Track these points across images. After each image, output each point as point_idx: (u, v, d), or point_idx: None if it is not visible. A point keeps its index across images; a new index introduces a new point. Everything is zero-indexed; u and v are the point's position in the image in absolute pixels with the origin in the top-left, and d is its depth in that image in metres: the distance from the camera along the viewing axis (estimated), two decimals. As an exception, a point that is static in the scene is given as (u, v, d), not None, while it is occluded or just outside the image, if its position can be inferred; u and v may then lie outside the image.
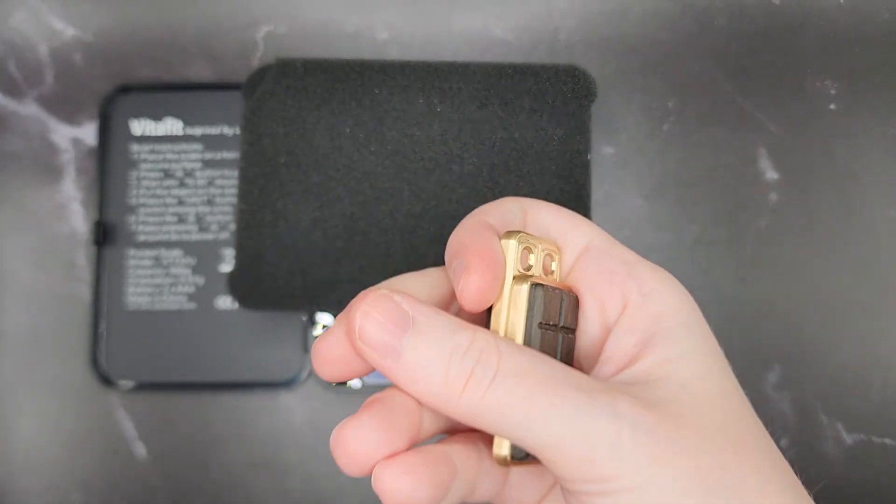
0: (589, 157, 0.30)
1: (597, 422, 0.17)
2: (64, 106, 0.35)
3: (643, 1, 0.36)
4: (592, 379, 0.18)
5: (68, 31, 0.36)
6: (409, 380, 0.18)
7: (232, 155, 0.34)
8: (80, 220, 0.35)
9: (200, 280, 0.34)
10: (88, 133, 0.35)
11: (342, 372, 0.20)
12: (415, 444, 0.19)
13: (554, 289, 0.20)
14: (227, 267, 0.34)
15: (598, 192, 0.35)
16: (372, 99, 0.29)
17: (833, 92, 0.36)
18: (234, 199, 0.34)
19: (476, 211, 0.22)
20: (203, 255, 0.34)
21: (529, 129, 0.29)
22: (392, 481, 0.18)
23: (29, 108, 0.35)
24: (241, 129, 0.30)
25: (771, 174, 0.35)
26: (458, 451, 0.20)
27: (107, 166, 0.34)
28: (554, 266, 0.21)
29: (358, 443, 0.18)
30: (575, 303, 0.21)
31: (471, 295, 0.19)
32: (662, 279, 0.20)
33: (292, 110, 0.29)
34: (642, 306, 0.20)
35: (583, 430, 0.17)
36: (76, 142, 0.35)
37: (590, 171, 0.29)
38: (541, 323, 0.20)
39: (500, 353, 0.18)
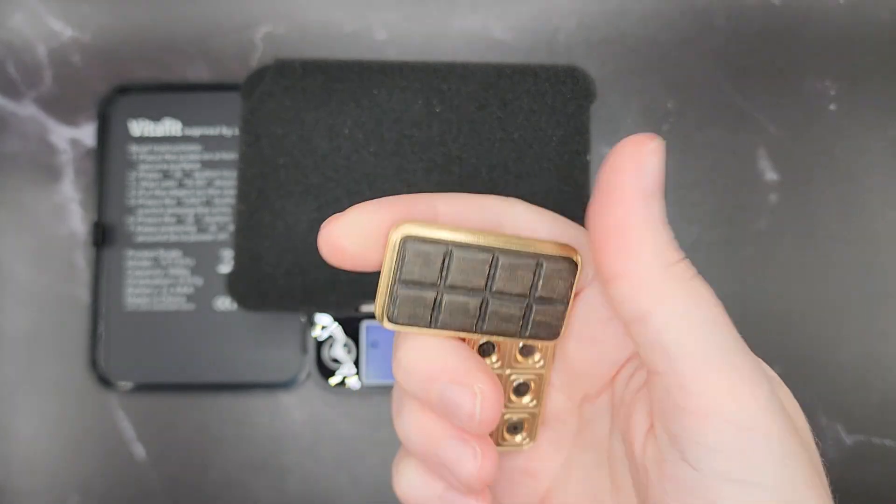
0: (588, 158, 0.30)
1: (757, 363, 0.17)
2: (62, 107, 0.35)
3: (643, 2, 0.36)
4: None
5: (67, 32, 0.36)
6: (648, 226, 0.17)
7: (231, 156, 0.34)
8: (78, 221, 0.35)
9: (199, 281, 0.34)
10: (87, 134, 0.35)
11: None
12: None
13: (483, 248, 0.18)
14: (225, 268, 0.34)
15: (598, 192, 0.35)
16: (371, 100, 0.29)
17: (833, 93, 0.36)
18: (232, 200, 0.34)
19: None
20: (202, 255, 0.34)
21: (528, 130, 0.29)
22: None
23: (27, 109, 0.35)
24: (240, 130, 0.30)
25: (770, 175, 0.35)
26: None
27: (105, 167, 0.34)
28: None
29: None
30: (551, 271, 0.18)
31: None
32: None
33: (291, 111, 0.29)
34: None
35: (752, 371, 0.16)
36: (75, 143, 0.35)
37: (589, 172, 0.29)
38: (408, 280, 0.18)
39: None
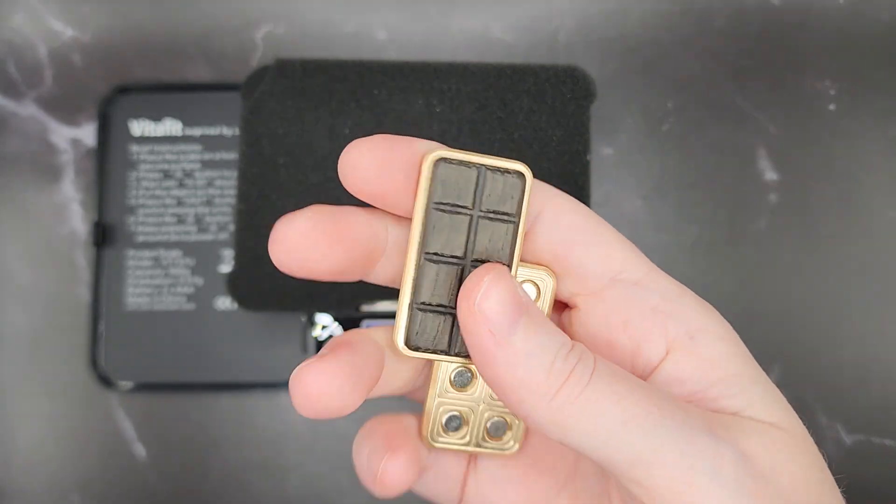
0: (588, 158, 0.30)
1: (696, 441, 0.16)
2: (63, 107, 0.35)
3: (643, 1, 0.36)
4: (686, 403, 0.17)
5: (67, 32, 0.36)
6: (507, 364, 0.16)
7: (231, 156, 0.34)
8: (79, 221, 0.35)
9: (200, 280, 0.34)
10: (87, 134, 0.35)
11: (301, 265, 0.17)
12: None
13: (472, 165, 0.17)
14: (226, 267, 0.34)
15: (598, 192, 0.35)
16: (371, 99, 0.29)
17: (832, 93, 0.36)
18: (233, 200, 0.34)
19: None
20: (202, 255, 0.34)
21: (528, 130, 0.29)
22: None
23: (28, 109, 0.35)
24: (240, 130, 0.30)
25: (770, 175, 0.35)
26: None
27: (106, 167, 0.34)
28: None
29: (317, 387, 0.17)
30: (516, 186, 0.17)
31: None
32: (710, 316, 0.18)
33: (291, 111, 0.29)
34: (691, 351, 0.18)
35: (684, 447, 0.16)
36: (75, 142, 0.35)
37: (589, 172, 0.29)
38: (443, 204, 0.17)
39: (595, 359, 0.17)
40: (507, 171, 0.17)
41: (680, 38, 0.36)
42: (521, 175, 0.17)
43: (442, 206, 0.17)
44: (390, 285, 0.19)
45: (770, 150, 0.35)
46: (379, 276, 0.18)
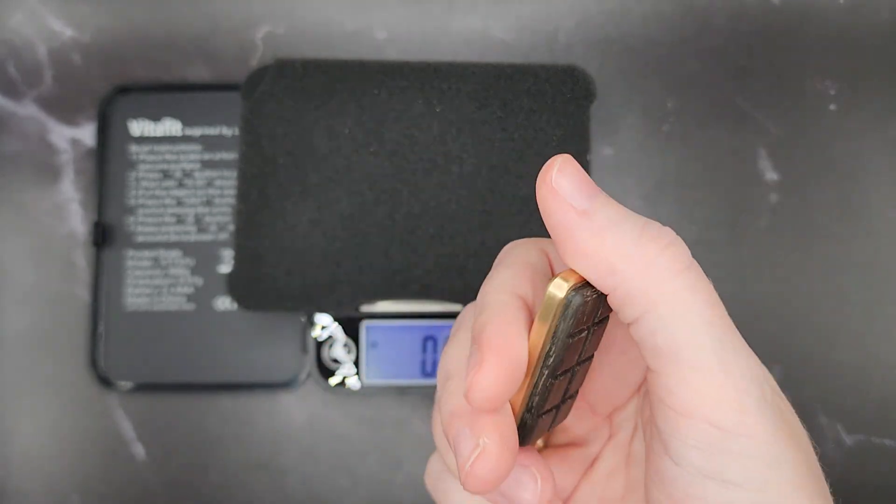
0: (588, 158, 0.30)
1: (755, 370, 0.16)
2: (62, 107, 0.35)
3: (643, 2, 0.36)
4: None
5: (67, 32, 0.36)
6: (597, 236, 0.16)
7: (231, 155, 0.34)
8: (78, 221, 0.35)
9: (199, 281, 0.34)
10: (87, 134, 0.35)
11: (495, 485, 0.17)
12: None
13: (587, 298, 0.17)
14: (225, 268, 0.34)
15: (598, 192, 0.35)
16: (371, 99, 0.29)
17: (833, 93, 0.36)
18: (232, 200, 0.34)
19: (519, 254, 0.19)
20: (202, 255, 0.34)
21: (529, 130, 0.29)
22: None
23: (28, 109, 0.35)
24: (240, 130, 0.30)
25: (770, 175, 0.35)
26: None
27: (105, 167, 0.34)
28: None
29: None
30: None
31: (478, 394, 0.16)
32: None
33: (291, 111, 0.29)
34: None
35: (744, 372, 0.16)
36: (75, 142, 0.35)
37: (589, 172, 0.29)
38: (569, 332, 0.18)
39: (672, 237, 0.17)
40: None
41: (680, 38, 0.36)
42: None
43: (571, 335, 0.17)
44: None
45: (770, 150, 0.35)
46: None
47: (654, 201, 0.35)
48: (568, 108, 0.30)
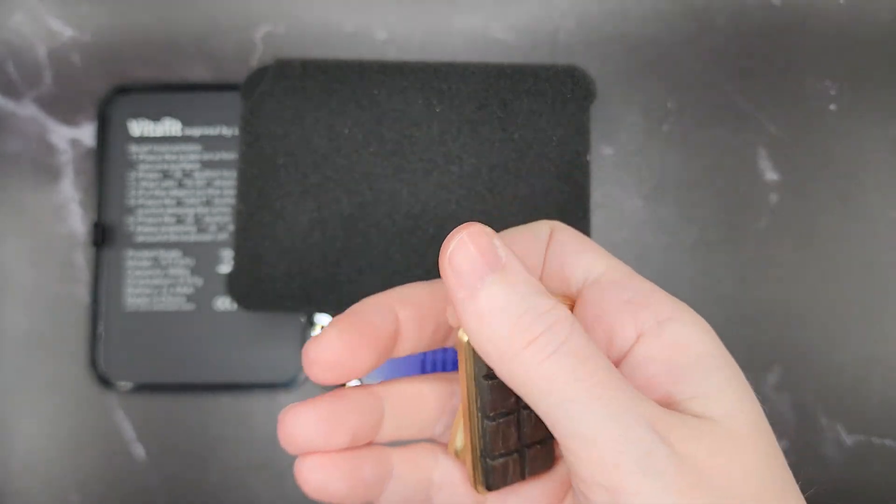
0: (588, 158, 0.30)
1: (635, 430, 0.17)
2: (62, 107, 0.35)
3: (643, 1, 0.36)
4: (641, 393, 0.18)
5: (66, 32, 0.36)
6: (476, 319, 0.17)
7: (230, 156, 0.34)
8: (78, 221, 0.35)
9: (199, 281, 0.34)
10: (87, 134, 0.35)
11: (334, 375, 0.20)
12: (364, 441, 0.20)
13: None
14: (225, 268, 0.34)
15: (598, 192, 0.35)
16: (371, 99, 0.29)
17: (833, 93, 0.36)
18: (232, 200, 0.34)
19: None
20: (201, 255, 0.34)
21: (528, 130, 0.29)
22: (308, 473, 0.19)
23: (27, 109, 0.35)
24: (240, 130, 0.30)
25: (771, 175, 0.35)
26: (405, 456, 0.21)
27: (105, 167, 0.34)
28: None
29: (298, 430, 0.19)
30: None
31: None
32: (681, 309, 0.19)
33: (291, 111, 0.29)
34: (659, 335, 0.19)
35: (620, 433, 0.17)
36: (74, 143, 0.35)
37: (589, 172, 0.29)
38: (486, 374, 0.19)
39: (571, 330, 0.17)
40: None
41: (680, 37, 0.36)
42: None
43: (487, 376, 0.19)
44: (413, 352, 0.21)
45: (770, 150, 0.35)
46: (403, 352, 0.21)
47: (653, 201, 0.35)
48: (568, 108, 0.30)
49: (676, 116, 0.36)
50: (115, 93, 0.35)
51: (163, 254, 0.34)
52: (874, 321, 0.35)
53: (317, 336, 0.19)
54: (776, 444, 0.19)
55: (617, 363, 0.19)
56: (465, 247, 0.18)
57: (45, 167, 0.35)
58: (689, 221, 0.35)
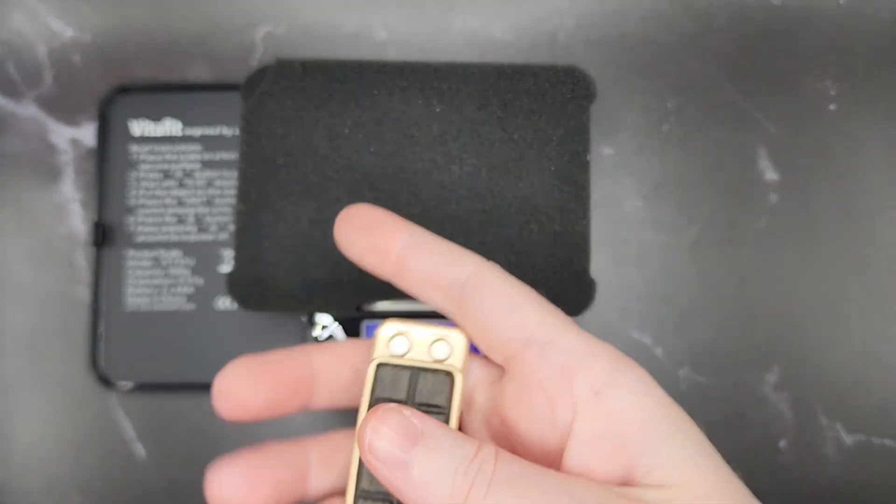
0: (588, 158, 0.30)
1: None
2: (63, 107, 0.35)
3: (642, 1, 0.36)
4: (588, 483, 0.18)
5: (67, 32, 0.36)
6: (416, 493, 0.18)
7: (231, 156, 0.34)
8: (78, 221, 0.35)
9: (199, 281, 0.34)
10: (87, 134, 0.35)
11: (239, 412, 0.21)
12: (293, 496, 0.21)
13: (406, 367, 0.21)
14: (226, 267, 0.34)
15: (598, 192, 0.35)
16: (371, 100, 0.29)
17: (833, 93, 0.36)
18: (232, 200, 0.34)
19: None
20: (202, 255, 0.34)
21: (529, 130, 0.29)
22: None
23: (27, 109, 0.35)
24: (240, 130, 0.30)
25: (770, 175, 0.35)
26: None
27: (106, 167, 0.34)
28: (445, 353, 0.21)
29: (220, 489, 0.21)
30: (445, 382, 0.21)
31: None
32: (617, 371, 0.19)
33: (291, 111, 0.29)
34: (598, 406, 0.19)
35: None
36: (75, 142, 0.35)
37: (589, 172, 0.29)
38: (381, 398, 0.20)
39: (496, 461, 0.18)
40: (436, 371, 0.21)
41: (680, 38, 0.36)
42: (449, 375, 0.21)
43: (380, 399, 0.20)
44: (334, 407, 0.23)
45: (770, 150, 0.36)
46: (322, 403, 0.22)
47: (653, 201, 0.35)
48: (568, 108, 0.30)
49: (676, 116, 0.36)
50: (116, 93, 0.35)
51: (163, 254, 0.34)
52: (874, 321, 0.35)
53: (224, 368, 0.21)
54: (746, 494, 0.18)
55: (563, 441, 0.19)
56: (381, 433, 0.18)
57: (45, 167, 0.35)
58: (688, 221, 0.35)
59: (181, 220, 0.34)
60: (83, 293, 0.34)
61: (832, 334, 0.35)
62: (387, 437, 0.18)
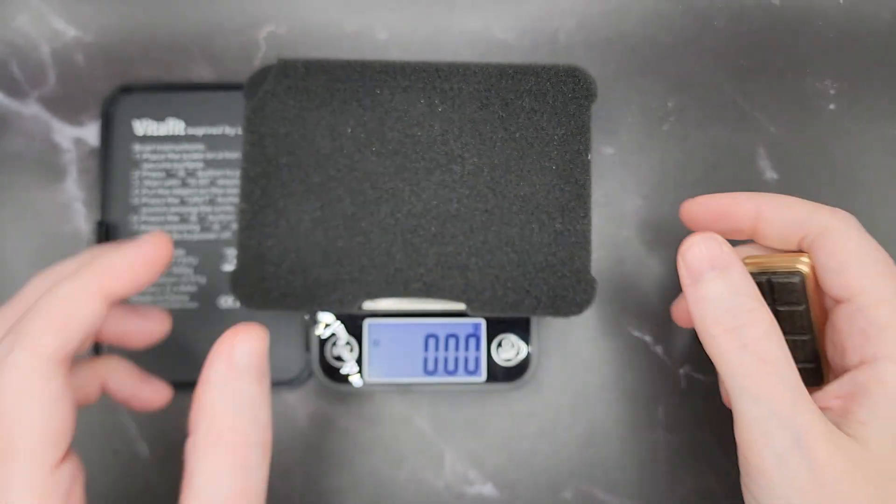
0: (589, 158, 0.30)
1: (779, 431, 0.21)
2: (66, 106, 0.36)
3: (643, 1, 0.37)
4: (809, 397, 0.22)
5: (70, 32, 0.36)
6: (694, 303, 0.23)
7: (233, 155, 0.35)
8: (82, 220, 0.35)
9: (203, 279, 0.34)
10: (91, 133, 0.35)
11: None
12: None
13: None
14: (229, 266, 0.34)
15: (598, 191, 0.35)
16: (373, 99, 0.30)
17: (832, 92, 0.36)
18: (235, 199, 0.34)
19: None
20: (205, 254, 0.34)
21: (530, 129, 0.30)
22: None
23: (31, 109, 0.36)
24: (243, 130, 0.30)
25: (770, 174, 0.36)
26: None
27: (109, 166, 0.35)
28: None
29: None
30: (793, 284, 0.25)
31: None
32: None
33: (293, 110, 0.30)
34: (872, 367, 0.23)
35: (767, 429, 0.21)
36: (78, 142, 0.35)
37: (590, 171, 0.30)
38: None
39: (764, 334, 0.22)
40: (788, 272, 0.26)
41: (680, 37, 0.36)
42: (799, 273, 0.25)
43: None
44: None
45: (770, 149, 0.36)
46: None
47: (653, 200, 0.35)
48: (569, 108, 0.30)
49: (677, 116, 0.36)
50: (119, 92, 0.35)
51: (166, 252, 0.34)
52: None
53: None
54: None
55: (847, 369, 0.24)
56: (697, 247, 0.23)
57: (49, 166, 0.35)
58: (689, 220, 0.35)
59: (184, 219, 0.34)
60: (87, 292, 0.35)
61: (831, 333, 0.35)
62: (698, 254, 0.23)
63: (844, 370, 0.24)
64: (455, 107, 0.30)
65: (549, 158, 0.29)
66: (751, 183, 0.35)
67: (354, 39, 0.36)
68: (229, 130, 0.35)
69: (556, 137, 0.30)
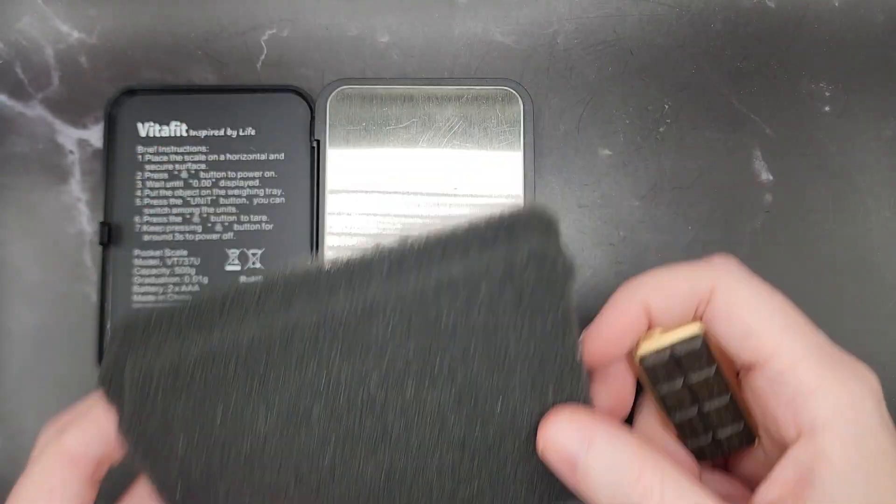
0: (579, 359, 0.22)
1: None
2: (70, 108, 0.36)
3: (640, 5, 0.37)
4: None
5: (74, 34, 0.36)
6: (585, 493, 0.21)
7: (236, 156, 0.35)
8: (86, 221, 0.35)
9: (204, 279, 0.34)
10: (94, 135, 0.36)
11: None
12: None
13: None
14: (231, 266, 0.34)
15: (596, 193, 0.35)
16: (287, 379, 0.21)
17: (827, 94, 0.36)
18: (237, 200, 0.35)
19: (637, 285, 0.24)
20: (207, 254, 0.34)
21: (499, 356, 0.21)
22: None
23: (35, 111, 0.36)
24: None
25: (766, 176, 0.36)
26: None
27: (113, 168, 0.35)
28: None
29: None
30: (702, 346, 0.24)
31: None
32: (844, 406, 0.21)
33: (180, 416, 0.22)
34: (810, 441, 0.20)
35: None
36: (82, 143, 0.36)
37: (581, 376, 0.23)
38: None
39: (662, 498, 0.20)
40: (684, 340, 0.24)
41: (677, 41, 0.37)
42: (698, 336, 0.24)
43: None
44: None
45: (765, 151, 0.36)
46: None
47: (650, 202, 0.36)
48: (543, 305, 0.21)
49: (673, 118, 0.36)
50: (123, 94, 0.35)
51: (169, 253, 0.34)
52: (869, 321, 0.35)
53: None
54: None
55: (782, 451, 0.22)
56: (552, 440, 0.22)
57: (53, 168, 0.35)
58: (685, 221, 0.35)
59: (186, 220, 0.35)
60: (90, 292, 0.35)
61: (827, 333, 0.35)
62: (558, 443, 0.22)
63: (782, 443, 0.22)
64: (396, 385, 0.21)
65: (531, 371, 0.22)
66: (746, 183, 0.36)
67: (355, 43, 0.36)
68: (231, 132, 0.35)
69: (532, 346, 0.21)
